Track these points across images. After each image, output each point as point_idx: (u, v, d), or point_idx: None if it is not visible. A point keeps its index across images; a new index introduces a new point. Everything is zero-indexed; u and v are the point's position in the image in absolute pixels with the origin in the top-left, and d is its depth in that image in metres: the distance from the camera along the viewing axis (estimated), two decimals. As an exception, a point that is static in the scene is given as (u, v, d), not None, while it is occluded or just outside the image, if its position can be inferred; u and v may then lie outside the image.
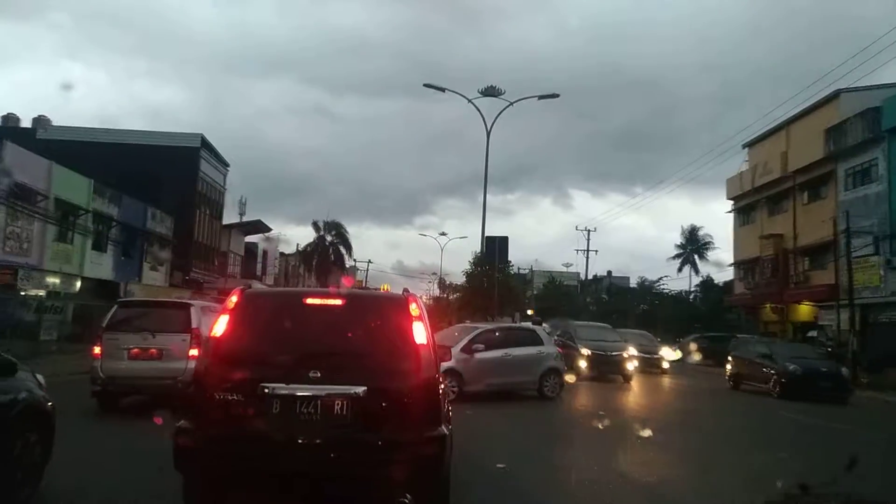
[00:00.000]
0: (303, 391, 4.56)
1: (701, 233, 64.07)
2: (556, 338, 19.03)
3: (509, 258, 20.75)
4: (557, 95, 22.21)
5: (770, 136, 39.16)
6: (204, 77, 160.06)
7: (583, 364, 19.90)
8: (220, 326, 4.88)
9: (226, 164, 51.93)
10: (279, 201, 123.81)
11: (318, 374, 4.61)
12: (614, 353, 20.52)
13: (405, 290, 5.76)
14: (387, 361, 4.83)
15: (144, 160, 38.51)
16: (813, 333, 33.38)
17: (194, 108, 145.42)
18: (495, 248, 18.67)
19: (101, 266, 32.19)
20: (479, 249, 24.28)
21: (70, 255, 29.47)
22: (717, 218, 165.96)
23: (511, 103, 22.80)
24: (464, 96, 23.89)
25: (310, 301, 5.29)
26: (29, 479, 5.08)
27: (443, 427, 4.83)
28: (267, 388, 4.52)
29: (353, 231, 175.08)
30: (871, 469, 5.52)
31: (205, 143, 46.25)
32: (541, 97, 22.43)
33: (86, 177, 30.43)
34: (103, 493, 5.85)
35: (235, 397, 4.56)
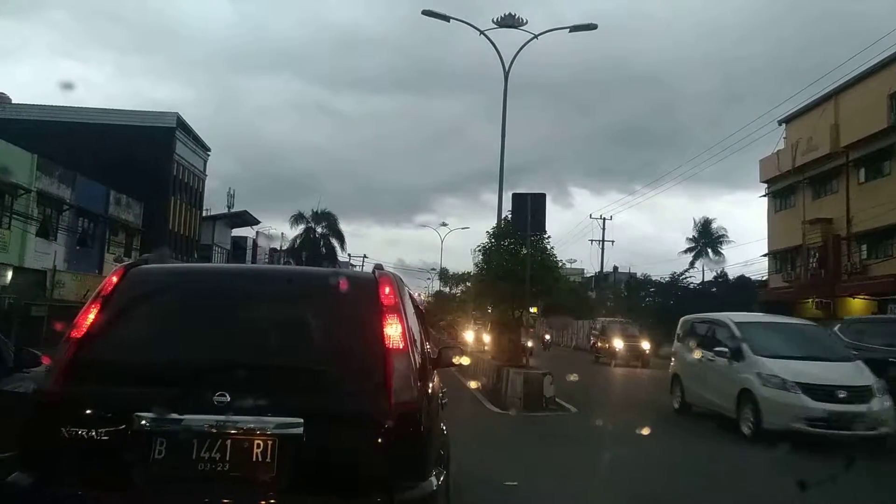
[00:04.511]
0: (203, 424, 2.83)
1: (714, 225, 60.91)
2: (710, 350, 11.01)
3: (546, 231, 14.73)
4: (595, 27, 18.45)
5: (814, 109, 34.47)
6: (202, 73, 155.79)
7: None
8: (85, 322, 3.13)
9: (206, 149, 47.76)
10: (279, 199, 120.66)
11: (228, 398, 2.85)
12: None
13: (376, 266, 3.66)
14: (340, 378, 3.08)
15: (113, 141, 35.22)
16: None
17: (192, 104, 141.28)
18: (526, 211, 13.13)
19: (49, 256, 27.81)
20: (480, 243, 18.94)
21: (6, 241, 25.09)
22: (722, 213, 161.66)
23: (535, 36, 19.12)
24: (475, 27, 19.96)
25: (224, 284, 3.61)
26: None
27: (431, 480, 3.07)
28: (146, 418, 2.81)
29: (353, 228, 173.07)
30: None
31: (181, 124, 42.15)
32: (573, 29, 18.56)
33: (44, 156, 27.23)
34: None
35: (96, 434, 2.85)
